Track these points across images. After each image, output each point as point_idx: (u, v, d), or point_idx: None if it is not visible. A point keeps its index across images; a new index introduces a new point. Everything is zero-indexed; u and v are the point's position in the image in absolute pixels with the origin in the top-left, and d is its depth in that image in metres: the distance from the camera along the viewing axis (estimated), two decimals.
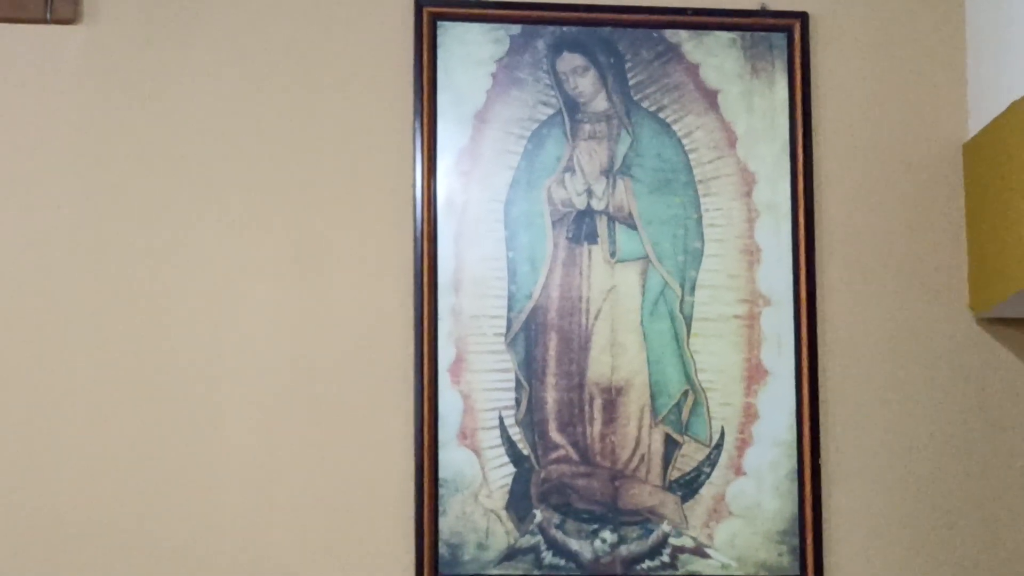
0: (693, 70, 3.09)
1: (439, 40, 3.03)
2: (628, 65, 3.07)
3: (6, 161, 2.93)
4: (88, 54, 2.97)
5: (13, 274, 2.92)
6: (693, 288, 3.03)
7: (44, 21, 2.94)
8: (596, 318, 3.01)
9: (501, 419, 2.98)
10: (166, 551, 2.89)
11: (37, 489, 2.87)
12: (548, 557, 2.96)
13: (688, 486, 3.00)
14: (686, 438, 3.01)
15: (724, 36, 3.09)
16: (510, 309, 3.00)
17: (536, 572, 2.95)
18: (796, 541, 2.99)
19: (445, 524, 2.94)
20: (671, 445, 3.00)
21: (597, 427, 2.99)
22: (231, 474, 2.93)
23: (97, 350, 2.92)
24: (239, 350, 2.95)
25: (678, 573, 2.97)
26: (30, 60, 2.96)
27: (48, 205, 2.94)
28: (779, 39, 3.10)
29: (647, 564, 2.97)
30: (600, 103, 3.06)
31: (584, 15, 3.07)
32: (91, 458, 2.89)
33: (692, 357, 3.01)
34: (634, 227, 3.03)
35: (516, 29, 3.06)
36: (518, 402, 2.98)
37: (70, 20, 2.95)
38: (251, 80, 3.01)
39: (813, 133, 3.09)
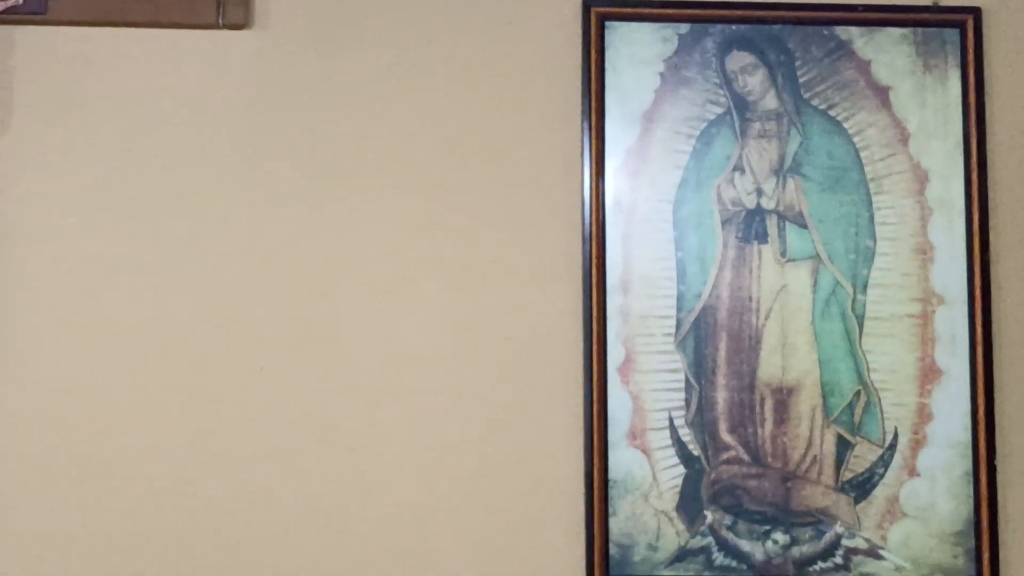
0: (864, 67, 3.05)
1: (607, 40, 3.02)
2: (798, 63, 3.04)
3: (177, 166, 2.97)
4: (258, 59, 3.00)
5: (181, 278, 2.95)
6: (865, 287, 3.00)
7: (216, 26, 2.97)
8: (767, 318, 2.99)
9: (671, 420, 2.97)
10: (331, 552, 2.92)
11: (185, 492, 2.92)
12: (719, 558, 2.95)
13: (861, 487, 2.97)
14: (859, 439, 2.98)
15: (895, 32, 3.06)
16: (679, 309, 2.99)
17: (707, 573, 2.94)
18: (972, 543, 2.95)
19: (615, 525, 2.94)
20: (843, 446, 2.98)
21: (768, 427, 2.97)
22: (399, 476, 2.94)
23: (261, 353, 2.94)
24: (408, 352, 2.97)
25: (851, 575, 2.95)
26: (202, 65, 2.99)
27: (219, 209, 2.97)
28: (951, 35, 3.05)
29: (820, 565, 2.95)
30: (770, 101, 3.04)
31: (753, 13, 3.04)
32: (251, 460, 2.92)
33: (864, 357, 2.99)
34: (804, 226, 3.00)
35: (684, 28, 3.04)
36: (688, 403, 2.97)
37: (241, 25, 2.98)
38: (418, 82, 3.02)
39: (987, 129, 3.04)
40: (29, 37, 2.96)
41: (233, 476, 2.92)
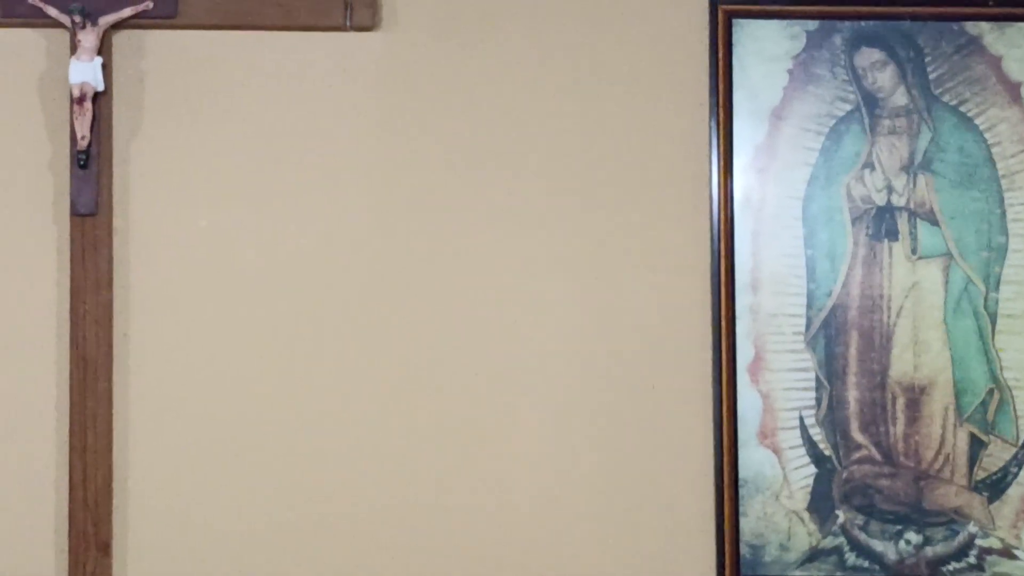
0: (995, 62, 3.02)
1: (734, 38, 3.01)
2: (928, 59, 3.02)
3: (307, 166, 2.98)
4: (386, 60, 3.00)
5: (313, 279, 2.96)
6: (998, 284, 2.97)
7: (344, 28, 2.98)
8: (898, 316, 2.96)
9: (801, 419, 2.95)
10: (458, 550, 2.92)
11: (322, 489, 2.94)
12: (851, 558, 2.93)
13: (995, 486, 2.95)
14: (992, 437, 2.95)
15: None
16: (809, 307, 2.97)
17: (839, 574, 2.92)
18: None
19: (746, 525, 2.93)
20: (976, 444, 2.95)
21: (900, 426, 2.95)
22: (525, 473, 2.95)
23: (394, 349, 2.96)
24: (535, 350, 2.97)
25: (985, 575, 2.92)
26: (331, 67, 3.00)
27: (350, 209, 2.98)
28: None
29: (953, 566, 2.93)
30: (900, 98, 3.01)
31: (882, 9, 3.01)
32: (383, 457, 2.94)
33: (997, 354, 2.96)
34: (936, 223, 2.98)
35: (813, 25, 3.02)
36: (819, 401, 2.96)
37: (369, 27, 2.98)
38: (545, 81, 3.02)
39: None
40: (159, 41, 2.98)
41: (360, 470, 2.94)
